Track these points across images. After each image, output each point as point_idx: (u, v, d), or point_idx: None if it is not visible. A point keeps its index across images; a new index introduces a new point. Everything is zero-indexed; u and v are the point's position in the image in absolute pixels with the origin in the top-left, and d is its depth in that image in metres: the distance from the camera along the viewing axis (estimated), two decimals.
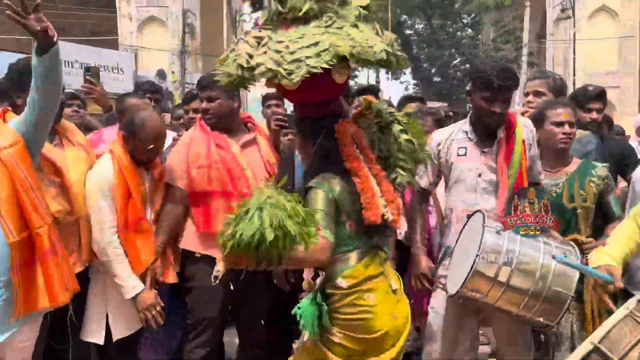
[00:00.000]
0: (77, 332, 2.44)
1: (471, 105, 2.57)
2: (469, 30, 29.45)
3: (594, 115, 3.08)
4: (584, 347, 1.44)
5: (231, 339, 3.48)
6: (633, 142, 4.24)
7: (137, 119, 2.50)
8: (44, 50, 1.91)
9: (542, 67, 19.39)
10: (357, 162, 1.92)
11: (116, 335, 2.47)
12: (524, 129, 2.51)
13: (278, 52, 1.77)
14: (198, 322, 2.66)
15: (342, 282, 1.89)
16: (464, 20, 29.59)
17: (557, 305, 2.11)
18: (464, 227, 2.41)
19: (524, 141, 2.48)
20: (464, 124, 2.57)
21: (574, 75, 16.00)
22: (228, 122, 2.73)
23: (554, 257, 2.02)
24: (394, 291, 1.97)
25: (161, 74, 16.52)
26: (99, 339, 2.47)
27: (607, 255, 2.03)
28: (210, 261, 2.63)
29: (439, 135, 2.61)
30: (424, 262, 2.51)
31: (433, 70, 30.68)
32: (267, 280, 2.67)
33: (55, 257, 2.10)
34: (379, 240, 2.01)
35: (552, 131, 2.58)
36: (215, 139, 2.66)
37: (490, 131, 2.48)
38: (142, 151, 2.48)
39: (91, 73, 3.23)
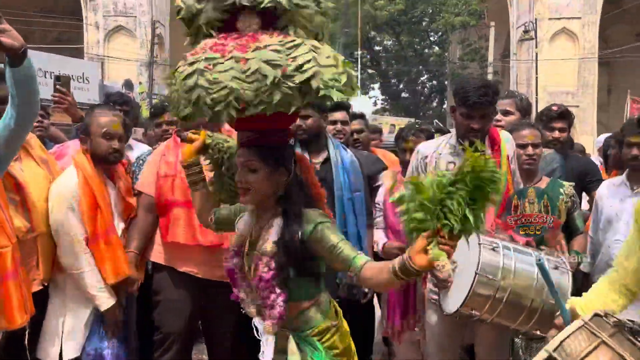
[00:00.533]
0: (33, 352, 2.35)
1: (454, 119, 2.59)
2: (436, 48, 30.07)
3: (556, 134, 3.16)
4: (540, 356, 1.46)
5: (200, 357, 3.42)
6: (595, 160, 4.37)
7: (89, 114, 2.51)
8: (17, 62, 1.78)
9: (506, 86, 19.92)
10: (321, 190, 1.90)
11: (68, 355, 2.39)
12: (507, 144, 2.53)
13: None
14: (165, 338, 2.61)
15: (333, 315, 1.87)
16: (431, 38, 30.21)
17: (552, 316, 2.12)
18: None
19: (508, 156, 2.51)
20: (450, 138, 2.57)
21: (537, 94, 16.47)
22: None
23: (539, 260, 2.01)
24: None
25: (128, 85, 16.25)
26: (54, 358, 2.39)
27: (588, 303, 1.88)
28: (176, 274, 2.59)
29: (424, 149, 2.61)
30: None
31: (401, 86, 31.16)
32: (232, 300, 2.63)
33: (17, 279, 2.05)
34: None
35: (517, 153, 2.63)
36: None
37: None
38: (101, 143, 2.42)
39: (61, 82, 3.12)
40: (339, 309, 1.93)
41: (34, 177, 2.36)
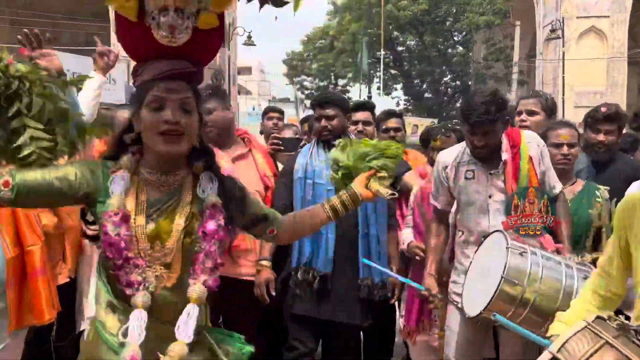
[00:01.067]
0: (60, 347, 2.42)
1: None
2: (460, 48, 29.78)
3: (601, 137, 2.95)
4: (543, 357, 1.44)
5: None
6: None
7: (110, 118, 2.66)
8: None
9: (532, 86, 19.63)
10: None
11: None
12: (530, 144, 2.48)
13: None
14: None
15: None
16: (455, 38, 29.94)
17: None
18: (478, 247, 2.39)
19: (531, 158, 2.45)
20: (468, 147, 2.55)
21: (563, 94, 16.18)
22: (225, 134, 2.77)
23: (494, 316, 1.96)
24: None
25: None
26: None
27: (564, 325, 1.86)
28: None
29: (444, 158, 2.60)
30: (433, 288, 2.53)
31: (424, 86, 30.95)
32: (253, 297, 2.67)
33: (45, 275, 2.11)
34: None
35: (551, 152, 2.58)
36: None
37: (495, 151, 2.45)
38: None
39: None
40: None
41: None
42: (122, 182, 1.45)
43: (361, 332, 3.17)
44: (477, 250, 2.40)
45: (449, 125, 3.18)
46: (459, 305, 2.45)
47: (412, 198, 3.05)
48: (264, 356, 3.20)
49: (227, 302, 2.70)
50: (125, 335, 1.36)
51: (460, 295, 2.43)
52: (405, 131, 3.89)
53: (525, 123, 3.04)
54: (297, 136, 3.66)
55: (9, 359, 2.11)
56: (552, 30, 16.52)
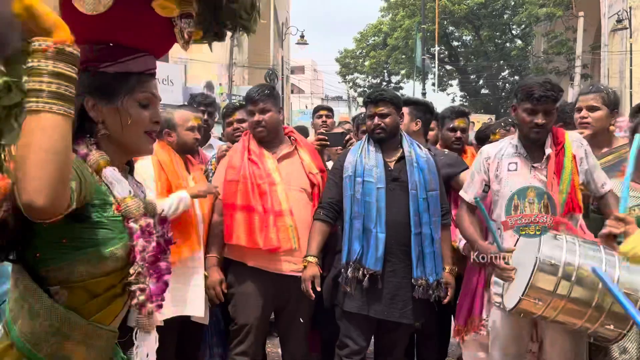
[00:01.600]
0: None
1: (516, 121, 2.58)
2: (519, 42, 28.83)
3: None
4: None
5: (274, 350, 3.51)
6: None
7: (167, 113, 2.77)
8: None
9: (596, 79, 18.76)
10: None
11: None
12: (574, 143, 2.48)
13: None
14: (240, 329, 2.72)
15: None
16: (513, 32, 29.01)
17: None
18: (516, 243, 2.36)
19: (574, 156, 2.45)
20: (513, 139, 2.58)
21: (631, 87, 15.37)
22: (274, 134, 2.81)
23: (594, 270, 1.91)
24: None
25: (209, 86, 16.89)
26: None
27: None
28: (247, 268, 2.73)
29: (488, 149, 2.61)
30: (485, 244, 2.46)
31: (480, 82, 30.18)
32: (301, 292, 2.68)
33: None
34: None
35: None
36: (250, 154, 2.74)
37: (539, 146, 2.47)
38: (186, 135, 2.73)
39: None
40: None
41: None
42: (124, 182, 1.24)
43: (414, 331, 3.13)
44: (515, 246, 2.38)
45: (509, 120, 3.11)
46: (501, 306, 2.43)
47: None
48: (318, 352, 3.24)
49: (277, 299, 2.75)
50: None
51: (500, 295, 2.41)
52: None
53: (586, 120, 2.88)
54: (342, 131, 3.65)
55: None
56: (619, 21, 15.73)
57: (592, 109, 2.94)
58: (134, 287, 1.21)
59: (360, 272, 2.64)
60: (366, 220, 2.67)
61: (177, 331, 2.66)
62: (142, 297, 1.22)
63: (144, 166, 2.60)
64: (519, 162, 2.50)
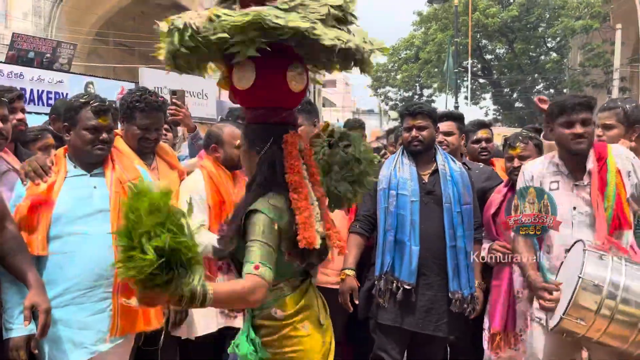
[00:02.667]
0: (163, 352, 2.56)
1: (556, 142, 2.51)
2: (554, 55, 28.35)
3: None
4: None
5: None
6: None
7: (216, 129, 2.85)
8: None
9: (634, 93, 18.27)
10: (299, 177, 1.72)
11: (199, 332, 2.61)
12: (618, 158, 2.41)
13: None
14: None
15: (276, 312, 1.75)
16: (548, 45, 28.56)
17: None
18: (562, 262, 2.33)
19: (619, 171, 2.37)
20: (554, 157, 2.53)
21: None
22: None
23: None
24: (322, 324, 1.83)
25: None
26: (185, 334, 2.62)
27: None
28: None
29: (530, 168, 2.58)
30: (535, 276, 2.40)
31: (514, 95, 29.75)
32: (337, 304, 2.70)
33: None
34: (311, 266, 1.83)
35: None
36: None
37: (581, 163, 2.41)
38: (233, 152, 2.74)
39: (177, 96, 3.37)
40: (323, 320, 1.84)
41: (168, 183, 2.64)
42: None
43: (448, 345, 3.09)
44: (561, 264, 2.34)
45: (524, 132, 3.07)
46: (542, 322, 2.38)
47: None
48: None
49: None
50: None
51: (543, 311, 2.36)
52: (502, 143, 3.78)
53: (602, 138, 2.82)
54: (377, 145, 3.68)
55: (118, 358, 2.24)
56: None
57: (606, 127, 2.88)
58: None
59: (394, 284, 2.65)
60: (400, 233, 2.68)
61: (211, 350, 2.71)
62: None
63: (196, 180, 2.68)
64: (561, 180, 2.46)
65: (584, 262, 2.08)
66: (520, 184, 2.58)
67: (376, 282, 2.71)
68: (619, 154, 2.44)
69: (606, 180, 2.36)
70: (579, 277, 2.04)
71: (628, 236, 2.41)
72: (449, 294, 2.66)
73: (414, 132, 2.80)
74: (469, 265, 2.71)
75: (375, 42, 1.74)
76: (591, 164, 2.40)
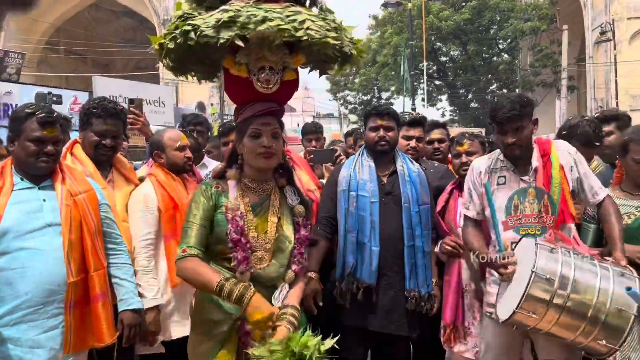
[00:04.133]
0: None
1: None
2: (506, 56, 29.21)
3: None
4: None
5: None
6: None
7: (157, 135, 2.86)
8: None
9: (582, 91, 18.99)
10: None
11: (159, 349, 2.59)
12: (561, 152, 2.50)
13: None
14: None
15: None
16: (500, 46, 29.41)
17: (619, 326, 2.01)
18: (516, 245, 2.38)
19: (562, 166, 2.47)
20: (500, 154, 2.60)
21: (617, 97, 15.58)
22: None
23: (629, 289, 1.98)
24: None
25: (201, 107, 16.97)
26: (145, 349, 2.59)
27: None
28: None
29: (478, 164, 2.64)
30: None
31: (470, 96, 30.47)
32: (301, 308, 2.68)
33: (105, 300, 2.19)
34: None
35: (632, 167, 2.63)
36: None
37: (525, 159, 2.50)
38: (175, 155, 2.74)
39: (135, 105, 3.32)
40: None
41: (123, 198, 2.62)
42: (235, 190, 2.03)
43: (411, 345, 3.12)
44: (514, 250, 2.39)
45: (468, 132, 3.19)
46: (493, 316, 2.44)
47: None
48: None
49: None
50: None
51: (493, 305, 2.42)
52: (449, 142, 3.85)
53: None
54: (332, 148, 3.71)
55: None
56: (602, 33, 16.04)
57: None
58: None
59: (355, 285, 2.66)
60: (360, 234, 2.69)
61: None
62: None
63: (145, 191, 2.65)
64: (508, 175, 2.53)
65: (536, 256, 2.13)
66: (469, 179, 2.65)
67: (337, 284, 2.71)
68: (561, 148, 2.53)
69: (550, 175, 2.44)
70: (532, 272, 2.09)
71: (571, 229, 2.50)
72: (405, 292, 2.69)
73: (381, 132, 2.81)
74: (426, 265, 2.74)
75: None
76: (536, 161, 2.48)
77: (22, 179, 2.15)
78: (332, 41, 1.81)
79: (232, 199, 2.00)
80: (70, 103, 12.14)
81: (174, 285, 2.58)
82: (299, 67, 2.08)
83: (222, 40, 1.74)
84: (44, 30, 20.27)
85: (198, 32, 1.75)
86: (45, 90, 11.40)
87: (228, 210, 1.97)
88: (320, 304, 2.69)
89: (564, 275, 2.08)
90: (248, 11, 1.76)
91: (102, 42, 20.42)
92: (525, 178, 2.49)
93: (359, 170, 2.81)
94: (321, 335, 1.84)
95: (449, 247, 2.82)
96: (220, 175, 2.13)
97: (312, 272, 2.69)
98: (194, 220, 1.97)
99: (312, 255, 2.68)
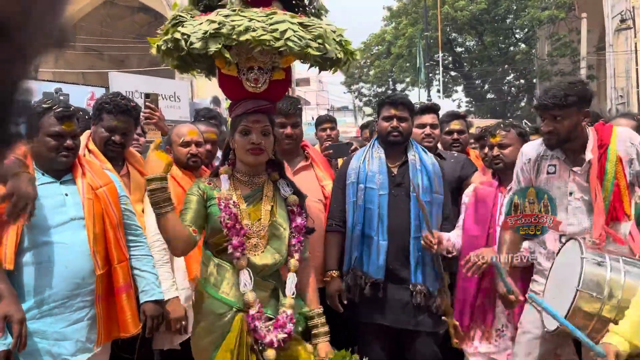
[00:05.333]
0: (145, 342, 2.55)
1: None
2: (523, 45, 28.81)
3: None
4: None
5: None
6: None
7: (171, 130, 2.83)
8: None
9: (602, 80, 18.65)
10: None
11: (175, 341, 2.56)
12: (621, 143, 2.32)
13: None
14: None
15: None
16: (516, 36, 29.01)
17: None
18: (557, 252, 2.30)
19: (620, 159, 2.29)
20: None
21: (638, 86, 15.28)
22: (297, 147, 2.85)
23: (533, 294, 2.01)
24: None
25: (216, 101, 17.01)
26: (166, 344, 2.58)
27: (617, 336, 1.85)
28: None
29: (528, 151, 2.53)
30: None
31: (486, 87, 30.15)
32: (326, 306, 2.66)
33: (129, 291, 2.23)
34: None
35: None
36: None
37: (579, 148, 2.37)
38: (179, 151, 2.71)
39: (150, 99, 3.33)
40: None
41: (138, 191, 2.63)
42: (227, 182, 2.09)
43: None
44: (555, 257, 2.32)
45: (507, 121, 3.04)
46: (538, 308, 2.33)
47: (465, 199, 2.90)
48: None
49: None
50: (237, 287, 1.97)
51: (538, 294, 2.36)
52: (468, 133, 3.80)
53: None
54: (346, 141, 3.69)
55: None
56: (622, 21, 15.72)
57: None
58: None
59: (362, 279, 2.59)
60: (367, 227, 2.62)
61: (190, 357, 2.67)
62: None
63: None
64: (558, 164, 2.42)
65: (582, 271, 2.03)
66: (518, 164, 2.54)
67: (344, 277, 2.65)
68: (622, 138, 2.34)
69: (605, 168, 2.29)
70: (577, 290, 2.01)
71: (626, 227, 2.33)
72: (410, 286, 2.59)
73: (394, 122, 2.71)
74: (434, 257, 2.61)
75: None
76: (590, 154, 2.33)
77: (43, 174, 2.17)
78: (313, 52, 1.86)
79: (224, 190, 2.07)
80: (87, 99, 12.26)
81: (192, 278, 2.59)
82: (297, 64, 2.17)
83: (210, 52, 1.82)
84: None
85: (188, 42, 1.83)
86: (51, 88, 11.52)
87: (221, 199, 2.03)
88: (345, 302, 2.66)
89: (612, 290, 1.98)
90: (233, 20, 1.81)
91: (118, 38, 20.58)
92: (577, 169, 2.37)
93: (368, 162, 2.73)
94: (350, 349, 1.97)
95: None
96: (214, 174, 2.18)
97: (333, 271, 2.65)
98: (189, 205, 2.05)
99: (329, 253, 2.66)
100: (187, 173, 2.72)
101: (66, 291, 2.07)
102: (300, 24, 1.87)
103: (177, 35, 1.85)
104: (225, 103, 18.26)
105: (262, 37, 1.79)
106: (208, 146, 2.96)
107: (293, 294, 2.07)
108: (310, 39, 1.85)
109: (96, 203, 2.18)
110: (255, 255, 2.02)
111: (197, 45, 1.80)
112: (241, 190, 2.10)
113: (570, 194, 2.36)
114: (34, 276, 2.04)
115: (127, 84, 12.56)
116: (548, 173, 2.42)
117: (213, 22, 1.82)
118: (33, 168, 2.17)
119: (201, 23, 1.84)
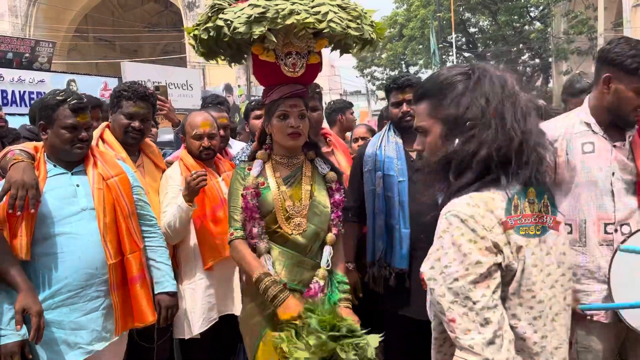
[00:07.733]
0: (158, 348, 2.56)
1: (606, 93, 2.06)
2: (538, 24, 28.26)
3: None
4: None
5: None
6: None
7: (184, 120, 2.82)
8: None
9: None
10: None
11: (195, 330, 2.56)
12: None
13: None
14: None
15: None
16: (531, 14, 28.46)
17: None
18: (616, 249, 2.02)
19: None
20: (583, 114, 2.15)
21: None
22: (317, 133, 2.84)
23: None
24: None
25: (228, 88, 17.02)
26: (186, 334, 2.58)
27: None
28: None
29: (553, 130, 2.13)
30: None
31: (501, 68, 29.69)
32: None
33: (143, 281, 2.23)
34: None
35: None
36: None
37: (620, 119, 2.07)
38: (192, 143, 2.69)
39: (160, 91, 3.36)
40: None
41: (152, 181, 2.63)
42: (258, 168, 2.20)
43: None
44: (614, 251, 2.01)
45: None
46: (595, 318, 2.08)
47: None
48: None
49: None
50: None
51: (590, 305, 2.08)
52: None
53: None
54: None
55: (113, 358, 2.25)
56: None
57: None
58: None
59: (388, 270, 2.52)
60: (388, 216, 2.53)
61: (209, 345, 2.69)
62: None
63: (172, 174, 2.66)
64: (596, 141, 2.08)
65: None
66: None
67: (369, 269, 2.60)
68: None
69: None
70: None
71: None
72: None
73: (404, 107, 2.62)
74: None
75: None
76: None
77: (55, 166, 2.18)
78: (353, 32, 1.94)
79: (252, 176, 2.17)
80: (100, 89, 12.34)
81: (208, 267, 2.59)
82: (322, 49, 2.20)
83: (255, 36, 1.87)
84: (72, 19, 20.54)
85: (231, 28, 1.87)
86: (64, 79, 11.61)
87: (245, 189, 2.14)
88: (361, 295, 2.62)
89: None
90: (276, 4, 1.87)
91: (129, 27, 20.60)
92: (619, 144, 2.06)
93: (385, 148, 2.62)
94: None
95: None
96: (252, 157, 2.28)
97: (349, 263, 2.58)
98: (236, 205, 2.17)
99: (346, 244, 2.57)
100: (200, 163, 2.71)
101: (80, 281, 2.09)
102: (338, 5, 1.96)
103: (220, 23, 1.90)
104: (237, 90, 18.28)
105: (306, 20, 1.86)
106: (221, 131, 2.96)
107: (328, 266, 2.19)
108: (349, 20, 1.93)
109: (107, 193, 2.18)
110: (298, 233, 2.14)
111: (242, 29, 1.85)
112: (280, 173, 2.21)
113: (613, 174, 2.05)
114: (48, 267, 2.06)
115: (140, 73, 12.60)
116: (584, 152, 2.09)
117: (257, 6, 1.88)
118: (44, 160, 2.18)
119: (243, 8, 1.89)
